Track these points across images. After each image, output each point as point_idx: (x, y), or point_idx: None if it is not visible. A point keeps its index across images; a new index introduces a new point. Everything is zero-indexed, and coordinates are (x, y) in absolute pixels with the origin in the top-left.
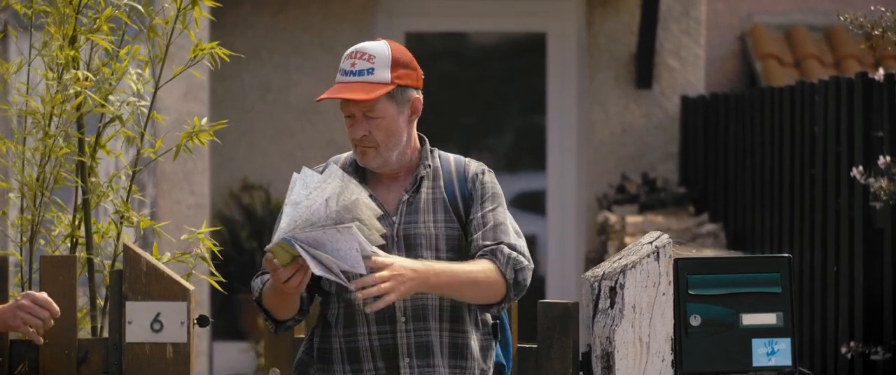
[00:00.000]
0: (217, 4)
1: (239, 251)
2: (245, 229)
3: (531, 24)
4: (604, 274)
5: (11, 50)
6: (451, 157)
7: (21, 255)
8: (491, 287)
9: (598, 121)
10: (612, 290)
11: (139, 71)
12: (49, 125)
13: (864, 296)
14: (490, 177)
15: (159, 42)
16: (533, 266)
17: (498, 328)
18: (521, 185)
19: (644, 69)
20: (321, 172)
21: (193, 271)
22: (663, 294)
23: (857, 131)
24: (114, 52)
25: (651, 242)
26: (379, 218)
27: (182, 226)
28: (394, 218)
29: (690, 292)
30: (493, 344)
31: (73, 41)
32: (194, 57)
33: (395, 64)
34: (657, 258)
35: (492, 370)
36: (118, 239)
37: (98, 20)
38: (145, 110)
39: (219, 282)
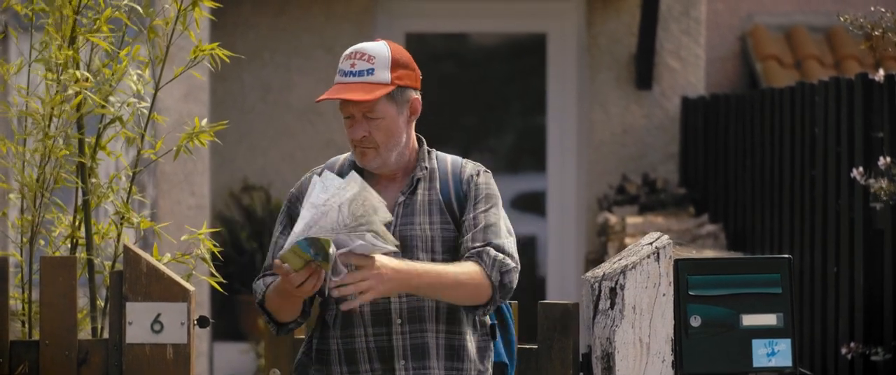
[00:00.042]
0: (217, 5)
1: (239, 252)
2: (245, 230)
3: (531, 24)
4: (604, 274)
5: (12, 51)
6: (449, 158)
7: (21, 256)
8: (476, 289)
9: (598, 122)
10: (613, 291)
11: (139, 72)
12: (49, 126)
13: (864, 297)
14: (485, 178)
15: (159, 43)
16: (520, 267)
17: (496, 328)
18: (521, 186)
19: (644, 70)
20: (320, 174)
21: (194, 272)
22: (663, 294)
23: (857, 132)
24: (114, 53)
25: (651, 243)
26: None
27: (182, 227)
28: (390, 220)
29: (691, 293)
30: (491, 345)
31: (72, 41)
32: (195, 58)
33: (395, 64)
34: (657, 259)
35: (490, 370)
36: (118, 239)
37: (98, 21)
38: (145, 111)
39: (219, 283)
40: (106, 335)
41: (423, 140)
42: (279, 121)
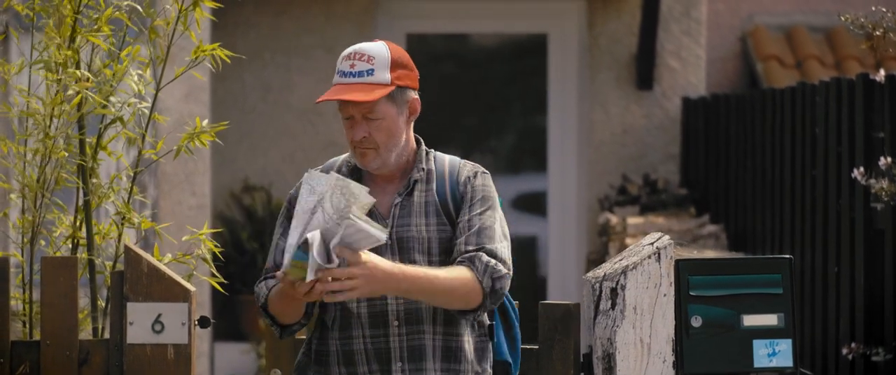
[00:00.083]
0: (218, 5)
1: (240, 252)
2: (246, 230)
3: (532, 25)
4: (605, 275)
5: (12, 51)
6: (447, 159)
7: (22, 256)
8: (467, 294)
9: (598, 122)
10: (614, 291)
11: (140, 72)
12: (49, 126)
13: (865, 297)
14: (482, 180)
15: (160, 43)
16: (512, 273)
17: (494, 329)
18: (522, 186)
19: (645, 70)
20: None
21: (194, 272)
22: (664, 295)
23: (857, 132)
24: (114, 53)
25: (652, 243)
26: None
27: (183, 227)
28: (387, 221)
29: (691, 293)
30: (489, 346)
31: (72, 41)
32: (195, 58)
33: (395, 65)
34: (658, 259)
35: (489, 371)
36: (119, 240)
37: (98, 21)
38: (146, 111)
39: (220, 283)
40: (107, 335)
41: (422, 140)
42: (280, 122)
